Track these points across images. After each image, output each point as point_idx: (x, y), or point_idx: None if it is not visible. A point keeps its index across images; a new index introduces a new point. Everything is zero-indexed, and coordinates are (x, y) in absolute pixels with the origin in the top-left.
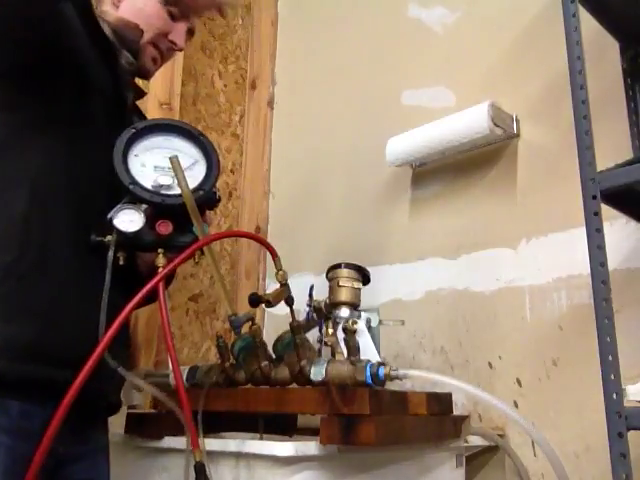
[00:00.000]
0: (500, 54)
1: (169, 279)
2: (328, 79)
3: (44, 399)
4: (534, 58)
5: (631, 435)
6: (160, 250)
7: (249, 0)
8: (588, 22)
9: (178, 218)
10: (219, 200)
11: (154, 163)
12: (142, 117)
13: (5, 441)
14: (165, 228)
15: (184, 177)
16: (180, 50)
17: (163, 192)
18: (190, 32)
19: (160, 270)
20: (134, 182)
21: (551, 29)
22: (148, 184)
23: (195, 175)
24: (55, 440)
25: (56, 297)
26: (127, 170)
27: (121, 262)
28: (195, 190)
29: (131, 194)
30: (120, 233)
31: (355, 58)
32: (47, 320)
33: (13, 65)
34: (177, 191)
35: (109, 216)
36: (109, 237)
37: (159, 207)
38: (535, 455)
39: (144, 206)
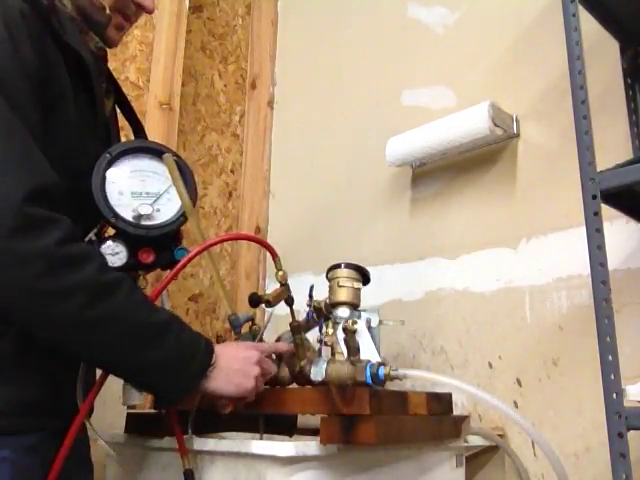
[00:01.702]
0: (500, 54)
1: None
2: (328, 79)
3: (44, 412)
4: (534, 58)
5: (631, 435)
6: (140, 272)
7: (249, 0)
8: (588, 22)
9: (158, 244)
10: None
11: (131, 189)
12: (121, 96)
13: (9, 455)
14: (147, 256)
15: (179, 177)
16: (150, 12)
17: (145, 223)
18: None
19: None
20: (116, 215)
21: (551, 29)
22: (128, 214)
23: (172, 198)
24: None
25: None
26: (107, 201)
27: None
28: (178, 216)
29: (114, 227)
30: None
31: (355, 58)
32: (48, 376)
33: None
34: (158, 221)
35: (88, 240)
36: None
37: (142, 239)
38: (535, 455)
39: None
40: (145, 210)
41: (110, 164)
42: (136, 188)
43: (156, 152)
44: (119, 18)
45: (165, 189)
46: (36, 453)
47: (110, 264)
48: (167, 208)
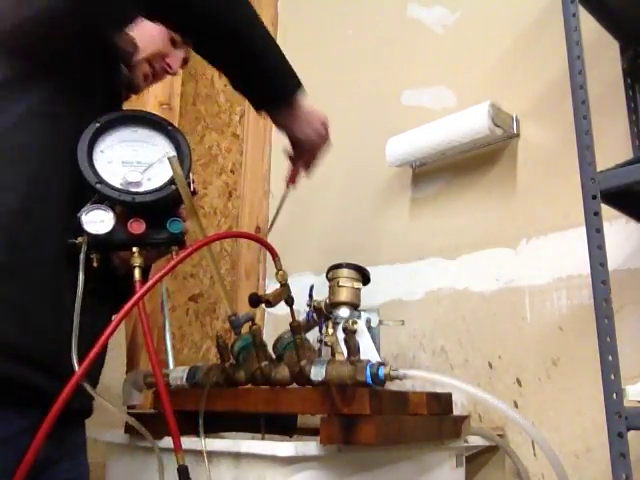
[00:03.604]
0: (500, 54)
1: (146, 272)
2: (328, 79)
3: (21, 405)
4: (534, 58)
5: (631, 435)
6: (135, 249)
7: (249, 0)
8: (588, 22)
9: (150, 214)
10: (195, 193)
11: (122, 158)
12: None
13: None
14: (137, 227)
15: (183, 179)
16: (173, 74)
17: (132, 190)
18: (185, 61)
19: (137, 271)
20: (101, 181)
21: (551, 29)
22: (116, 182)
23: (167, 168)
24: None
25: (39, 297)
26: (93, 168)
27: (95, 264)
28: (168, 184)
29: (98, 193)
30: (90, 235)
31: (355, 58)
32: (27, 319)
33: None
34: (147, 188)
35: (78, 215)
36: (80, 239)
37: (129, 205)
38: (535, 455)
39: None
40: (133, 177)
41: (99, 133)
42: (127, 157)
43: (149, 121)
44: (149, 69)
45: (158, 158)
46: (10, 428)
47: (94, 232)
48: (159, 177)
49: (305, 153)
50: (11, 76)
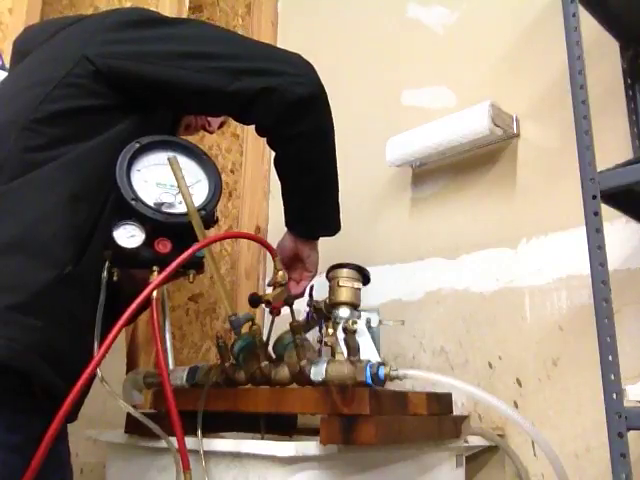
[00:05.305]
0: (500, 54)
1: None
2: (328, 79)
3: (30, 411)
4: (534, 58)
5: (631, 435)
6: (155, 268)
7: (249, 0)
8: (588, 22)
9: (177, 237)
10: (217, 221)
11: (156, 180)
12: None
13: None
14: (164, 247)
15: (183, 177)
16: (210, 133)
17: (165, 210)
18: (222, 124)
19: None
20: (136, 198)
21: (551, 29)
22: (150, 201)
23: (197, 194)
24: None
25: (87, 311)
26: (130, 185)
27: (115, 278)
28: (200, 209)
29: (133, 210)
30: (118, 248)
31: (355, 58)
32: (75, 333)
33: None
34: (179, 210)
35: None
36: (106, 252)
37: (160, 225)
38: (535, 455)
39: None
40: (167, 198)
41: (138, 153)
42: (161, 179)
43: (184, 148)
44: (193, 121)
45: (191, 184)
46: (19, 435)
47: (124, 245)
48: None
49: (301, 277)
50: (106, 105)
